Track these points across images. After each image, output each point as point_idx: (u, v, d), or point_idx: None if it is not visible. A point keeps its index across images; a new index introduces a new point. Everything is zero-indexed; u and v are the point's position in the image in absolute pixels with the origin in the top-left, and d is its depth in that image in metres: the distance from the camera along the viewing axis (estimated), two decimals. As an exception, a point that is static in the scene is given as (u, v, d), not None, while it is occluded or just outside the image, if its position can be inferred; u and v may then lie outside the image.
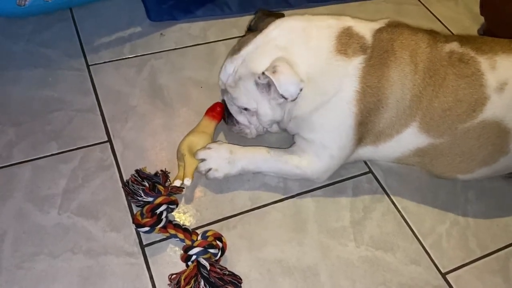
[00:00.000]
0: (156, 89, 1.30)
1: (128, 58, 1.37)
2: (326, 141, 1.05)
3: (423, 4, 1.72)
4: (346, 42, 0.99)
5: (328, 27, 1.01)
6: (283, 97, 0.97)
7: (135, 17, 1.48)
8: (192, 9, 1.52)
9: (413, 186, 1.16)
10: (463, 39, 1.05)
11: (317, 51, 0.99)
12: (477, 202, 1.16)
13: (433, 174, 1.13)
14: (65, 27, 1.42)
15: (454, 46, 1.02)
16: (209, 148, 1.08)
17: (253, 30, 1.08)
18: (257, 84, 1.00)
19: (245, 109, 1.07)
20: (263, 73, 0.96)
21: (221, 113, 1.18)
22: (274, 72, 0.94)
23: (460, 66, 1.00)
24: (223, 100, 1.15)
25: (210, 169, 1.07)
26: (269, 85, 0.99)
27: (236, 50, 1.03)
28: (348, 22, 1.03)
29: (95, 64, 1.34)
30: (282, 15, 1.10)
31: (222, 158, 1.07)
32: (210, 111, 1.19)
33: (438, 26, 1.63)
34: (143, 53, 1.39)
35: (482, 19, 1.59)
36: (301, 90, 0.96)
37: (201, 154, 1.07)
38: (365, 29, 1.02)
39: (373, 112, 1.00)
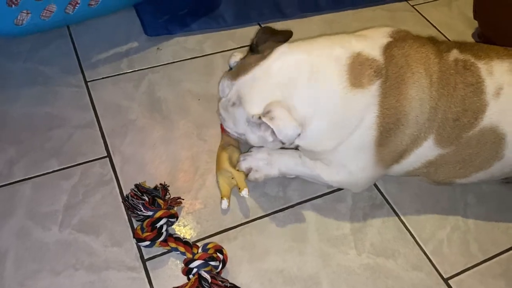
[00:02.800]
0: (154, 103, 1.31)
1: (126, 73, 1.38)
2: (345, 161, 1.04)
3: (417, 10, 1.73)
4: (359, 72, 0.95)
5: (336, 60, 0.96)
6: (281, 142, 0.96)
7: (131, 32, 1.50)
8: (188, 23, 1.53)
9: (413, 192, 1.17)
10: (461, 46, 1.05)
11: (328, 89, 0.95)
12: (477, 206, 1.16)
13: (434, 182, 1.13)
14: (62, 44, 1.44)
15: (455, 53, 1.02)
16: (250, 151, 1.11)
17: (255, 50, 1.02)
18: (248, 121, 0.98)
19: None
20: (259, 117, 0.93)
21: None
22: (271, 118, 0.92)
23: (466, 74, 0.99)
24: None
25: (251, 169, 1.09)
26: (259, 125, 0.96)
27: (234, 74, 1.00)
28: (354, 46, 0.98)
29: (93, 80, 1.35)
30: (288, 33, 1.05)
31: (261, 160, 1.09)
32: None
33: (433, 32, 1.64)
34: (140, 68, 1.40)
35: (476, 23, 1.60)
36: (299, 135, 0.94)
37: (242, 157, 1.10)
38: (374, 49, 0.98)
39: (393, 131, 0.99)
